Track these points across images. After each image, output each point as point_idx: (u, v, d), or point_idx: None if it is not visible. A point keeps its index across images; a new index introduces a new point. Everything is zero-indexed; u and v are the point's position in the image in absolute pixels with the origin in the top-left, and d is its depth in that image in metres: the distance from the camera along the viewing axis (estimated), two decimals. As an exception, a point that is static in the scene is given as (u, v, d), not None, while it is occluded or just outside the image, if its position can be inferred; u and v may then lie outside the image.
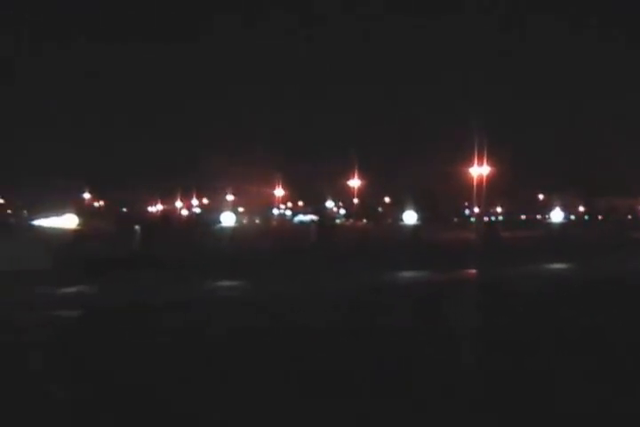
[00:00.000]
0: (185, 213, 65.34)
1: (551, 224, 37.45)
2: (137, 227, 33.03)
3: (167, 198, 65.35)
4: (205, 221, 41.34)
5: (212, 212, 52.31)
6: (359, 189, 51.86)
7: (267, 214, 60.57)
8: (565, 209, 39.08)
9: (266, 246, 29.65)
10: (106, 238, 31.31)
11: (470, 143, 46.24)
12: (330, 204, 62.70)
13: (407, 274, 23.52)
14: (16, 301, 16.56)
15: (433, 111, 47.54)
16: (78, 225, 31.42)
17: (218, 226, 30.16)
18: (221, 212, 32.29)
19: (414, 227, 33.84)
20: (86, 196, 66.83)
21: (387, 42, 58.46)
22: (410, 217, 33.57)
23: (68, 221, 32.25)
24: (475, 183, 45.37)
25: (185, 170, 54.66)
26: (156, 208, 67.25)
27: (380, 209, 63.33)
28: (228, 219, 30.40)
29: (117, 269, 22.73)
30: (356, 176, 49.42)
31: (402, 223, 34.51)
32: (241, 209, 61.58)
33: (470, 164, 47.94)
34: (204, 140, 56.32)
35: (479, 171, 46.19)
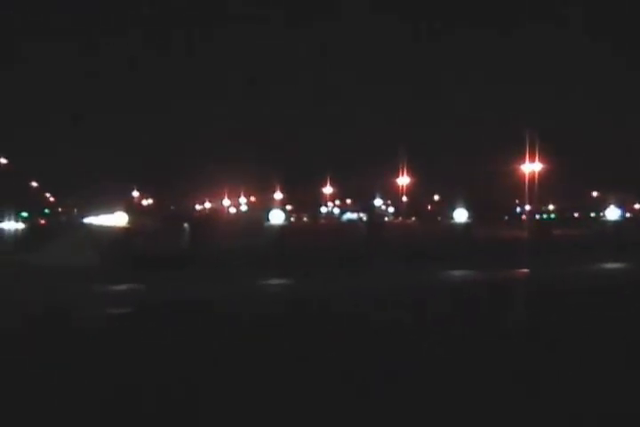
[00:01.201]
0: (232, 210, 65.36)
1: (606, 222, 36.48)
2: (186, 225, 33.08)
3: (215, 196, 65.43)
4: (253, 218, 41.23)
5: (259, 210, 52.14)
6: (408, 186, 51.29)
7: (315, 212, 60.33)
8: (621, 206, 38.09)
9: (315, 245, 29.44)
10: (154, 236, 31.41)
11: (521, 140, 45.37)
12: (378, 202, 62.17)
13: (461, 273, 23.11)
14: (67, 298, 16.58)
15: (483, 108, 46.88)
16: (128, 223, 31.53)
17: (266, 224, 30.03)
18: (269, 210, 32.07)
19: (465, 225, 33.25)
20: (135, 194, 67.16)
21: (432, 38, 57.72)
22: (460, 215, 33.01)
23: (118, 220, 32.36)
24: (526, 180, 44.52)
25: (232, 168, 54.56)
26: (203, 206, 67.44)
27: (428, 207, 62.60)
28: (276, 217, 30.16)
29: (166, 266, 22.77)
30: (404, 174, 48.91)
31: (452, 221, 33.96)
32: (289, 207, 61.33)
33: (521, 161, 47.02)
34: (250, 137, 56.17)
35: (531, 168, 45.27)
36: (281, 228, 29.72)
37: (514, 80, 45.23)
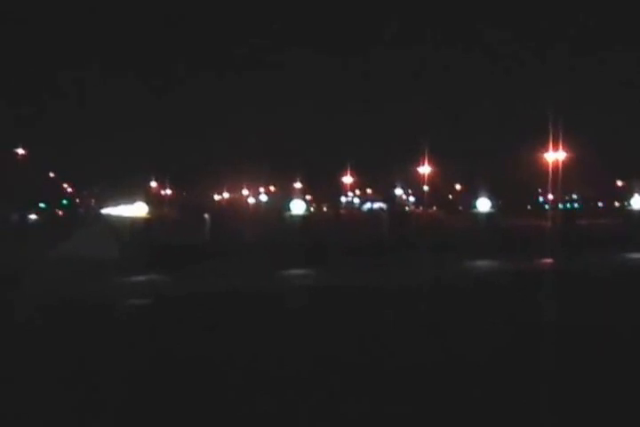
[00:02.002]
0: (251, 200, 65.02)
1: (632, 211, 35.81)
2: (206, 215, 32.61)
3: (233, 186, 65.05)
4: (273, 208, 40.89)
5: (279, 199, 51.79)
6: (429, 176, 50.64)
7: (334, 202, 59.89)
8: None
9: (339, 235, 28.95)
10: (176, 227, 31.01)
11: (545, 128, 44.66)
12: (399, 191, 61.64)
13: (488, 263, 22.66)
14: (88, 290, 16.27)
15: (505, 97, 46.17)
16: (148, 213, 31.16)
17: (287, 214, 29.54)
18: (289, 200, 31.57)
19: (489, 215, 32.65)
20: (153, 184, 66.95)
21: (456, 33, 56.96)
22: (483, 205, 32.36)
23: (138, 210, 32.03)
24: (550, 169, 43.80)
25: (250, 157, 54.16)
26: (222, 196, 67.12)
27: (450, 196, 61.97)
28: (297, 207, 29.64)
29: (189, 257, 22.41)
30: (426, 163, 48.23)
31: (475, 211, 33.37)
32: (308, 197, 60.92)
33: (544, 149, 46.32)
34: (269, 126, 55.78)
35: (554, 156, 44.53)
36: (303, 217, 29.25)
37: (538, 68, 44.46)
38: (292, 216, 29.16)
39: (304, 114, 54.43)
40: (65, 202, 73.58)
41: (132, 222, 30.98)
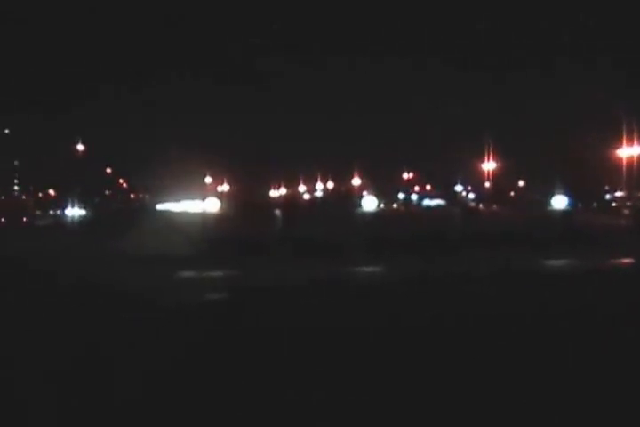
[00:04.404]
0: (307, 197, 64.55)
1: None
2: (277, 211, 32.19)
3: (291, 182, 64.67)
4: (337, 205, 40.37)
5: (340, 196, 51.27)
6: (491, 172, 49.74)
7: (392, 199, 59.10)
8: None
9: (411, 231, 28.28)
10: (248, 222, 30.67)
11: (610, 124, 43.66)
12: (459, 188, 60.67)
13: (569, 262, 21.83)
14: (160, 286, 15.87)
15: (575, 93, 44.83)
16: (220, 209, 30.94)
17: (359, 210, 28.88)
18: (352, 196, 30.89)
19: (565, 213, 31.51)
20: (208, 180, 66.71)
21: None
22: (560, 202, 31.19)
23: (210, 206, 31.85)
24: (624, 165, 42.72)
25: (308, 153, 53.62)
26: (278, 192, 66.72)
27: (512, 193, 60.79)
28: (369, 203, 28.94)
29: (261, 252, 22.11)
30: (490, 159, 47.28)
31: (551, 208, 32.26)
32: (365, 193, 60.30)
33: (612, 145, 45.36)
34: (327, 123, 55.14)
35: (629, 152, 43.39)
36: (375, 214, 28.55)
37: (609, 61, 43.11)
38: (363, 213, 28.45)
39: (364, 109, 53.61)
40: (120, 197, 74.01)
41: (203, 218, 30.67)
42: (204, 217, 30.89)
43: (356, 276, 17.91)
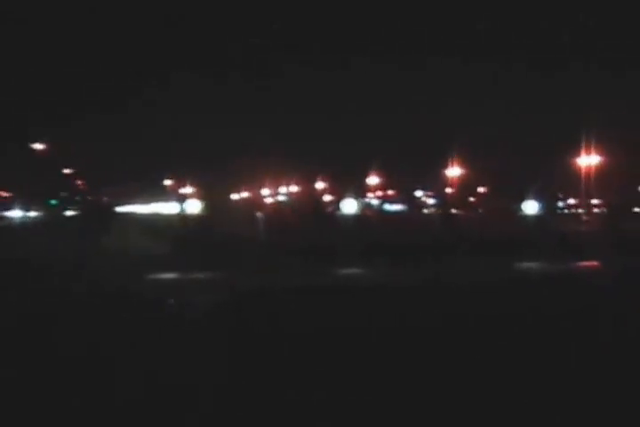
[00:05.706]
0: (269, 200, 64.65)
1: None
2: (259, 214, 32.45)
3: (252, 185, 64.60)
4: (303, 208, 40.62)
5: (303, 199, 51.54)
6: (454, 178, 50.65)
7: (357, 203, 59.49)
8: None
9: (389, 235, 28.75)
10: (233, 225, 30.77)
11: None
12: (419, 193, 61.52)
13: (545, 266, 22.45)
14: (160, 286, 16.01)
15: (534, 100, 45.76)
16: (202, 211, 30.90)
17: (338, 213, 29.33)
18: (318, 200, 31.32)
19: (539, 218, 32.38)
20: (167, 182, 66.32)
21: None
22: (531, 207, 32.10)
23: (192, 208, 31.76)
24: (582, 172, 43.99)
25: (271, 156, 53.73)
26: (240, 195, 66.64)
27: (471, 199, 61.95)
28: (348, 206, 29.42)
29: (247, 255, 22.15)
30: (454, 165, 48.22)
31: (521, 214, 33.14)
32: (328, 197, 60.80)
33: (571, 153, 46.48)
34: (292, 127, 55.38)
35: (585, 161, 44.73)
36: (356, 218, 29.08)
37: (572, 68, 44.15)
38: (343, 216, 28.96)
39: (330, 112, 53.95)
40: (77, 199, 73.04)
41: (185, 220, 30.68)
42: (186, 219, 30.89)
43: (360, 279, 18.07)
